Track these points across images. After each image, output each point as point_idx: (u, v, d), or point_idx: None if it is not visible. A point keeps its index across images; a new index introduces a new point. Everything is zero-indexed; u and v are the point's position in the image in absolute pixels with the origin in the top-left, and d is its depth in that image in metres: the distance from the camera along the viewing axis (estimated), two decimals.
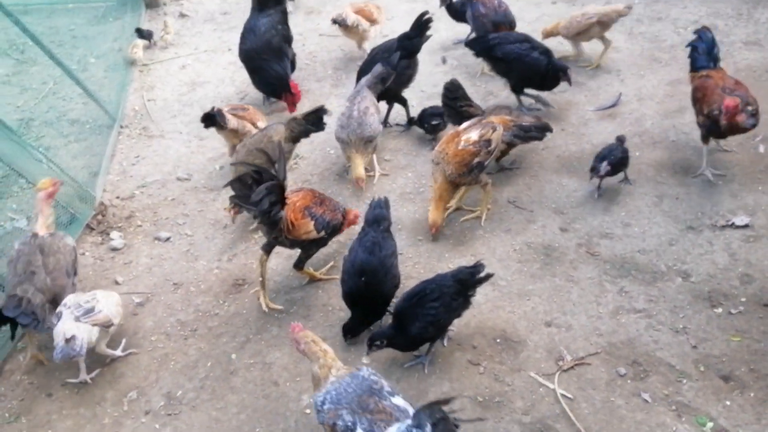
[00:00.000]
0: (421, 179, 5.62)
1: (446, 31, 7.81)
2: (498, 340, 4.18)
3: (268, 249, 4.49)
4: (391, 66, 5.76)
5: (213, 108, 5.53)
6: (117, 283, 4.90)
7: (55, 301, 4.18)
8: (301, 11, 8.60)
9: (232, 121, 5.57)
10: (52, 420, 3.99)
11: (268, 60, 6.42)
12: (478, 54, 6.28)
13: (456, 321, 4.27)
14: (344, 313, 4.45)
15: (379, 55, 6.07)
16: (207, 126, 5.57)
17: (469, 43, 6.34)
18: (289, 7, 7.32)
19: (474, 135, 4.81)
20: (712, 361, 3.91)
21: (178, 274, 4.96)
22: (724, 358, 3.90)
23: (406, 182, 5.61)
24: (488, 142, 4.80)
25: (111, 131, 6.56)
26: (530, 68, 5.97)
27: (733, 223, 4.77)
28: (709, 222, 4.86)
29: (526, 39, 6.09)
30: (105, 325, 4.05)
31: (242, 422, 3.84)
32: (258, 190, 4.02)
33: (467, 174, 4.80)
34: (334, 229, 4.57)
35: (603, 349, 4.05)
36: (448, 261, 4.80)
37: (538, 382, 3.88)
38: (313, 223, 4.36)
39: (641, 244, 4.76)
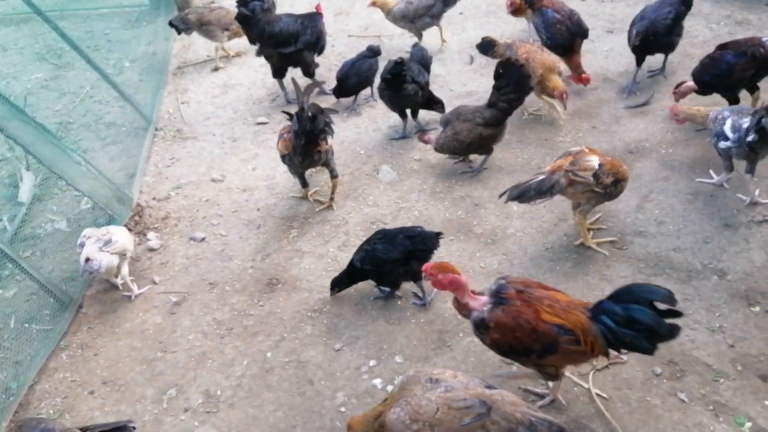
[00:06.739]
0: (450, 178, 5.64)
1: (474, 30, 7.81)
2: None
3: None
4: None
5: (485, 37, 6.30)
6: (154, 282, 5.02)
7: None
8: (331, 12, 8.66)
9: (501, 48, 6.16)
10: (95, 417, 4.10)
11: None
12: None
13: None
14: (376, 312, 4.50)
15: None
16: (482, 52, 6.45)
17: None
18: None
19: None
20: (749, 360, 3.87)
21: (214, 274, 5.06)
22: (762, 358, 3.85)
23: (436, 181, 5.63)
24: None
25: (146, 134, 6.69)
26: None
27: None
28: (746, 219, 4.79)
29: None
30: (122, 253, 4.78)
31: (278, 420, 3.91)
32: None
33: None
34: None
35: None
36: (480, 260, 4.81)
37: (573, 381, 3.87)
38: None
39: (676, 242, 4.72)
